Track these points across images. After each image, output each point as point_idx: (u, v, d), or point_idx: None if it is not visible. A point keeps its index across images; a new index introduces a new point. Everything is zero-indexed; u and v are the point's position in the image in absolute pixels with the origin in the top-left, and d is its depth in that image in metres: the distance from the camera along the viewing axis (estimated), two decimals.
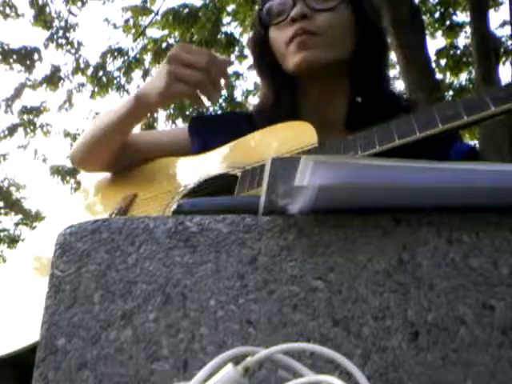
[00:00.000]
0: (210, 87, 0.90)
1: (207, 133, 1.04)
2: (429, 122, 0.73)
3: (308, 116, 0.97)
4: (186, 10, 6.14)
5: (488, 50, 4.60)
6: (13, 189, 11.13)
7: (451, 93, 6.87)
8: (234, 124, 1.04)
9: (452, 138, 0.96)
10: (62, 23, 6.54)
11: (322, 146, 0.84)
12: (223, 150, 0.96)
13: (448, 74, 6.73)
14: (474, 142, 6.75)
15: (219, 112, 6.48)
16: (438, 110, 0.74)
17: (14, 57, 6.60)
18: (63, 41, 6.60)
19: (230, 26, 6.45)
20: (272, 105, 1.02)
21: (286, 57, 0.98)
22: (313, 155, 0.45)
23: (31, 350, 0.74)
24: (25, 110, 6.86)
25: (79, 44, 6.67)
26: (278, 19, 0.99)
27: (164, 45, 6.43)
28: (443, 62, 6.66)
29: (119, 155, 1.04)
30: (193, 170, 0.97)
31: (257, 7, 1.06)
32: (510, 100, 0.69)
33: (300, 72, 0.97)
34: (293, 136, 0.89)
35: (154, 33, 6.53)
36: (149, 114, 0.95)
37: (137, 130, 1.07)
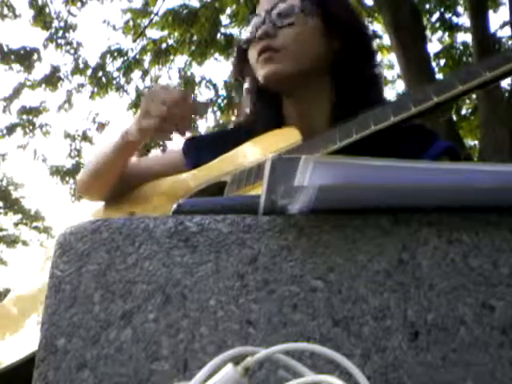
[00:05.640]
0: (178, 121, 0.96)
1: (199, 151, 1.09)
2: (402, 105, 0.75)
3: (293, 125, 0.99)
4: (186, 11, 6.14)
5: (488, 50, 4.60)
6: (11, 188, 11.13)
7: None
8: (225, 140, 1.07)
9: (432, 138, 0.99)
10: (62, 24, 6.53)
11: (304, 143, 0.88)
12: (214, 163, 1.00)
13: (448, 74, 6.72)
14: (474, 142, 6.75)
15: (218, 112, 6.49)
16: (413, 94, 0.76)
17: (13, 57, 6.59)
18: (62, 41, 6.58)
19: (230, 27, 6.45)
20: (257, 118, 1.06)
21: (257, 72, 1.02)
22: (304, 153, 0.45)
23: (24, 363, 0.75)
24: (24, 110, 6.85)
25: (78, 44, 6.65)
26: (250, 39, 1.04)
27: (163, 45, 6.42)
28: (443, 61, 6.66)
29: (121, 183, 1.08)
30: (186, 183, 1.01)
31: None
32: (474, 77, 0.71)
33: (269, 83, 1.01)
34: (278, 140, 0.94)
35: (154, 33, 6.52)
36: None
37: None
